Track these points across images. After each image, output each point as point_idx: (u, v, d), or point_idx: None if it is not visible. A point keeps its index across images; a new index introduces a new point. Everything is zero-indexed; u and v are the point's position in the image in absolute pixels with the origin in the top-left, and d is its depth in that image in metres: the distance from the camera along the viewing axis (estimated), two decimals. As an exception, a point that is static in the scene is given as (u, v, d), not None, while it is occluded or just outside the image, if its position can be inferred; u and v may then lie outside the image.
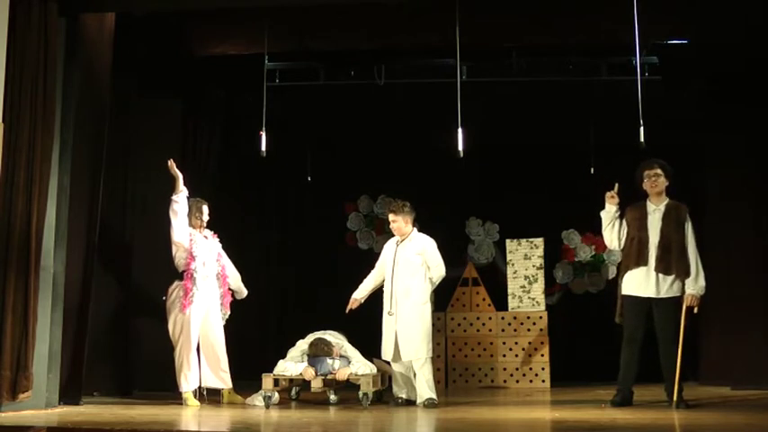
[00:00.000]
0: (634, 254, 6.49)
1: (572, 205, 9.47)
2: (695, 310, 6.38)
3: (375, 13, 7.54)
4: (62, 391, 6.34)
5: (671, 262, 6.37)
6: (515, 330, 9.06)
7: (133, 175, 8.00)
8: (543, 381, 8.87)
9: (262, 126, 7.36)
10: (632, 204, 6.64)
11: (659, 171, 6.54)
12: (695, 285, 6.35)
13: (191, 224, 6.92)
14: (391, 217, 6.91)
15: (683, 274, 6.36)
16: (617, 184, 6.63)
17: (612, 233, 6.64)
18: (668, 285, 6.37)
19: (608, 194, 6.63)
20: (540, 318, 9.06)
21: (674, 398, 6.23)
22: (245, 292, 7.28)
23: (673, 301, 6.37)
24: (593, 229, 8.81)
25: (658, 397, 6.58)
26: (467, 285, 9.35)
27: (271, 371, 6.69)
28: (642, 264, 6.43)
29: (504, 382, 8.96)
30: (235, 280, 7.20)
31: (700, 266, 6.39)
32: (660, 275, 6.37)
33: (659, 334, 6.38)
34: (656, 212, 6.51)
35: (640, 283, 6.43)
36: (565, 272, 10.10)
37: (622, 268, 6.63)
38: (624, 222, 6.61)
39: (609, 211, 6.63)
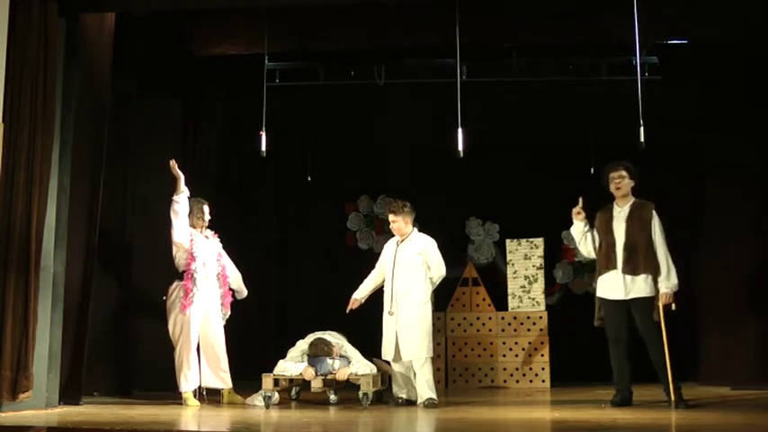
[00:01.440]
0: (603, 258, 6.48)
1: (572, 205, 9.43)
2: (673, 307, 6.31)
3: (375, 13, 7.54)
4: (62, 391, 6.34)
5: (638, 262, 6.33)
6: (515, 330, 9.06)
7: (133, 175, 8.00)
8: (543, 381, 8.86)
9: (262, 126, 7.36)
10: (601, 209, 6.62)
11: (624, 173, 6.51)
12: (667, 283, 6.30)
13: (193, 224, 6.91)
14: (391, 217, 6.91)
15: (653, 272, 6.31)
16: (581, 199, 6.60)
17: (588, 246, 6.64)
18: (638, 286, 6.33)
19: (574, 211, 6.61)
20: (540, 318, 9.05)
21: (674, 397, 6.21)
22: (245, 292, 7.27)
23: (646, 301, 6.32)
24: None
25: (658, 397, 6.57)
26: (467, 285, 9.35)
27: (271, 371, 6.69)
28: (612, 267, 6.42)
29: (504, 382, 8.96)
30: (236, 280, 7.19)
31: (671, 263, 6.33)
32: (628, 277, 6.35)
33: (642, 335, 6.36)
34: (620, 214, 6.49)
35: (612, 286, 6.43)
36: (565, 272, 10.10)
37: (596, 272, 6.61)
38: (595, 230, 6.60)
39: (577, 228, 6.65)
